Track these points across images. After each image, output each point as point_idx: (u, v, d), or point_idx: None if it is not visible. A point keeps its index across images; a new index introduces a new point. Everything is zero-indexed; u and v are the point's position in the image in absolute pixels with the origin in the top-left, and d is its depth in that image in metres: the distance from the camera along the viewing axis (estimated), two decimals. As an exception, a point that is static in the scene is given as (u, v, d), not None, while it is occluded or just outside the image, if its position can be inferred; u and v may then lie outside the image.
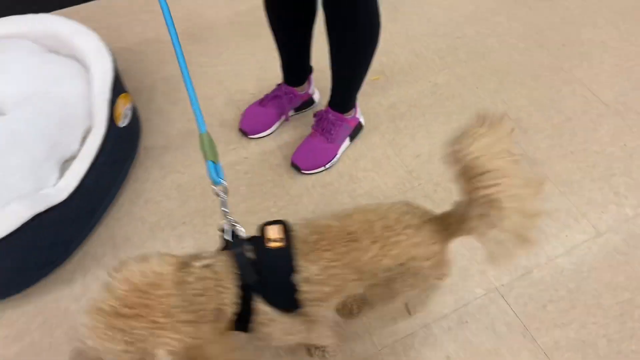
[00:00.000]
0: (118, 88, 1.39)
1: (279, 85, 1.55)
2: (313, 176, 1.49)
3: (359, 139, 1.58)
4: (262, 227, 0.88)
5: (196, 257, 0.83)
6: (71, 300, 1.24)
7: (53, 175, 1.26)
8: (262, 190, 1.46)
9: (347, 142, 1.54)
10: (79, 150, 1.32)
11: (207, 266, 0.81)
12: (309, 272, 0.84)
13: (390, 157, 1.55)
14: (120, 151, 1.41)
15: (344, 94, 1.43)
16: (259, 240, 0.86)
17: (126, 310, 0.71)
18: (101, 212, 1.38)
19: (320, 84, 1.66)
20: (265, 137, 1.56)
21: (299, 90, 1.55)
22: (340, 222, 0.88)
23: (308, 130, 1.58)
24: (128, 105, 1.41)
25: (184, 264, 0.80)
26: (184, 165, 1.49)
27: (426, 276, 0.92)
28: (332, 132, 1.48)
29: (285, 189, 1.46)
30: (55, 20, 1.46)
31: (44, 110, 1.29)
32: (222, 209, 0.91)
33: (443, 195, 1.44)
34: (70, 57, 1.43)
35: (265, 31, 1.81)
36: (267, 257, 0.84)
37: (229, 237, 0.87)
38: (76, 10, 1.61)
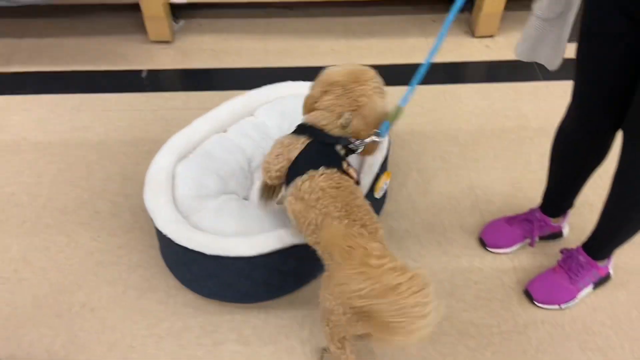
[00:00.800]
0: (384, 165, 1.56)
1: (532, 210, 1.57)
2: (544, 311, 1.44)
3: (601, 289, 1.49)
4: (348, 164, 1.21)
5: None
6: (283, 331, 1.40)
7: None
8: (489, 306, 1.46)
9: (589, 288, 1.46)
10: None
11: None
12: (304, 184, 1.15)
13: (634, 321, 1.43)
14: None
15: (607, 244, 1.38)
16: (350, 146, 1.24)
17: None
18: (330, 266, 1.54)
19: (572, 219, 1.62)
20: (502, 254, 1.58)
21: (553, 222, 1.54)
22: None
23: (548, 260, 1.56)
24: (387, 182, 1.57)
25: None
26: (419, 254, 1.58)
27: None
28: (578, 274, 1.43)
29: (512, 314, 1.44)
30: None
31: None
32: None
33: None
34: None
35: (525, 151, 1.87)
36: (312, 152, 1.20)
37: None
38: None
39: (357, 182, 1.22)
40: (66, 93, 2.06)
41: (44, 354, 1.36)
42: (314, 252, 1.41)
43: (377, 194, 1.53)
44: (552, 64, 1.20)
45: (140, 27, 2.29)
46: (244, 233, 1.43)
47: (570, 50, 1.17)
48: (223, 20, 2.41)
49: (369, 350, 1.36)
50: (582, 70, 1.19)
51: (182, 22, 2.38)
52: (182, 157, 1.58)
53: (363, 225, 1.07)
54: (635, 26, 1.01)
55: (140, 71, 2.17)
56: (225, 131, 1.68)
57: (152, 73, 2.16)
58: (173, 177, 1.53)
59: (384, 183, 1.54)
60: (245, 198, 1.60)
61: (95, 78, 2.13)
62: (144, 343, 1.38)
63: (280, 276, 1.42)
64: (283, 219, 1.45)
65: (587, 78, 1.18)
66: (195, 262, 1.37)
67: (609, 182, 1.27)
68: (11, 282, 1.50)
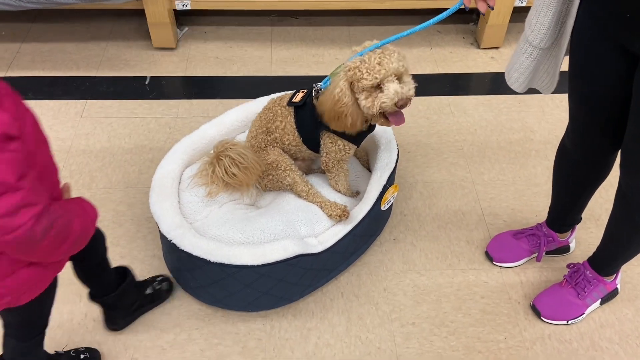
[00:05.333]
0: (392, 178, 1.55)
1: (539, 224, 1.56)
2: (552, 326, 1.43)
3: (609, 304, 1.48)
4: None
5: None
6: (288, 344, 1.38)
7: (320, 231, 1.47)
8: (495, 321, 1.45)
9: (597, 303, 1.45)
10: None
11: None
12: None
13: (643, 338, 1.42)
14: (371, 228, 1.57)
15: (612, 261, 1.37)
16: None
17: None
18: (336, 273, 1.54)
19: (579, 233, 1.62)
20: (509, 268, 1.57)
21: (560, 237, 1.54)
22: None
23: (555, 275, 1.55)
24: (395, 194, 1.56)
25: None
26: (425, 268, 1.57)
27: None
28: (585, 289, 1.42)
29: (519, 329, 1.43)
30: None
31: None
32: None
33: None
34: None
35: (531, 164, 1.87)
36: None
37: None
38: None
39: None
40: (68, 99, 2.04)
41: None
42: (318, 262, 1.41)
43: (384, 206, 1.52)
44: (549, 90, 1.21)
45: (144, 34, 2.28)
46: (248, 242, 1.42)
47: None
48: (227, 27, 2.40)
49: (375, 365, 1.35)
50: (574, 96, 1.20)
51: (186, 29, 2.37)
52: (189, 162, 1.58)
53: None
54: (625, 55, 1.02)
55: (143, 78, 2.15)
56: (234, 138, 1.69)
57: (156, 80, 2.15)
58: (180, 182, 1.53)
59: (391, 196, 1.53)
60: (251, 204, 1.59)
61: (98, 84, 2.11)
62: (146, 355, 1.36)
63: (284, 286, 1.41)
64: (288, 229, 1.45)
65: (579, 103, 1.19)
66: (199, 268, 1.36)
67: (614, 195, 1.27)
68: (11, 291, 1.47)
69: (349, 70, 1.27)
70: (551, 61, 1.16)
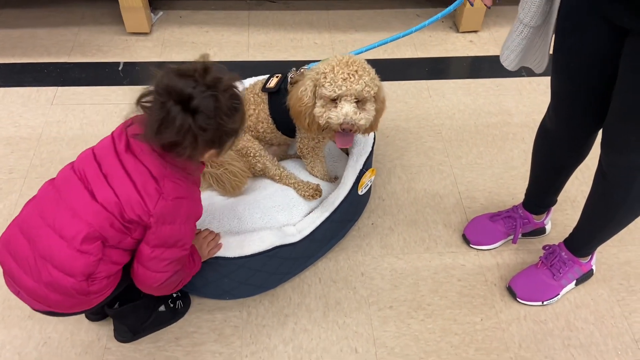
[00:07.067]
0: (368, 162, 1.54)
1: (515, 206, 1.56)
2: (527, 307, 1.44)
3: (584, 285, 1.49)
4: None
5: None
6: (265, 330, 1.37)
7: (298, 217, 1.45)
8: (472, 303, 1.45)
9: (572, 284, 1.46)
10: (320, 202, 1.50)
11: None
12: None
13: (616, 317, 1.43)
14: (349, 213, 1.56)
15: (588, 242, 1.38)
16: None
17: None
18: (314, 259, 1.53)
19: (555, 215, 1.63)
20: (486, 251, 1.57)
21: (536, 219, 1.54)
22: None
23: (531, 256, 1.56)
24: (372, 179, 1.55)
25: None
26: (403, 252, 1.57)
27: None
28: (560, 270, 1.43)
29: (495, 310, 1.44)
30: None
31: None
32: None
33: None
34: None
35: (508, 147, 1.88)
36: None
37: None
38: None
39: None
40: (39, 86, 1.99)
41: (15, 357, 1.31)
42: (296, 251, 1.40)
43: (361, 191, 1.51)
44: (541, 68, 1.20)
45: (117, 18, 2.22)
46: (226, 231, 1.40)
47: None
48: (203, 12, 2.36)
49: (353, 349, 1.35)
50: (559, 73, 1.19)
51: (160, 13, 2.32)
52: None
53: None
54: (612, 30, 1.01)
55: (117, 64, 2.10)
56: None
57: (129, 66, 2.10)
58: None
59: (368, 180, 1.52)
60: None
61: (69, 70, 2.06)
62: (119, 344, 1.34)
63: (262, 276, 1.40)
64: (265, 217, 1.43)
65: (565, 80, 1.18)
66: (176, 258, 1.34)
67: (590, 178, 1.28)
68: (-19, 282, 1.44)
69: (317, 74, 1.24)
70: (542, 39, 1.15)
